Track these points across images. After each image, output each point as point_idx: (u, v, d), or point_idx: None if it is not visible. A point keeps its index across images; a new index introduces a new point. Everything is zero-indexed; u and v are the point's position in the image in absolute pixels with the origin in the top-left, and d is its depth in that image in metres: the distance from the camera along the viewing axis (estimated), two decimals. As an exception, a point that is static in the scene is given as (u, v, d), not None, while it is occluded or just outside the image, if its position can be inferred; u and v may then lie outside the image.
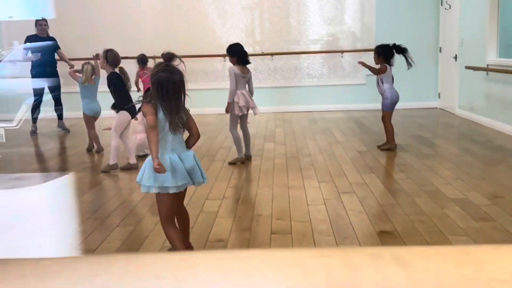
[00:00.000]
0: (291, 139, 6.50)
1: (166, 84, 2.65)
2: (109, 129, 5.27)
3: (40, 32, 7.17)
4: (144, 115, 2.70)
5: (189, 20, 8.92)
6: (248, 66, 5.18)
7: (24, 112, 7.35)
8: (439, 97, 8.99)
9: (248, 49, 9.00)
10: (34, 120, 7.28)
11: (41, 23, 7.18)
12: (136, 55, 8.85)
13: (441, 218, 3.39)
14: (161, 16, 8.94)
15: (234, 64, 5.10)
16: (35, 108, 7.22)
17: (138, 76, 7.08)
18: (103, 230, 3.38)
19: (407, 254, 0.52)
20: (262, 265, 0.48)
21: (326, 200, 3.88)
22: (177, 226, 2.83)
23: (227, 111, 5.15)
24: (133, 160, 5.05)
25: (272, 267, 0.48)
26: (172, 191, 2.67)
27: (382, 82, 5.56)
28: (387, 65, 5.52)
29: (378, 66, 5.62)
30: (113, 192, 4.50)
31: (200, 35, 8.92)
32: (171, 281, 0.46)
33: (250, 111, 5.25)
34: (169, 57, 2.84)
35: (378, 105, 8.86)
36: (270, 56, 8.95)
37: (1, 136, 6.04)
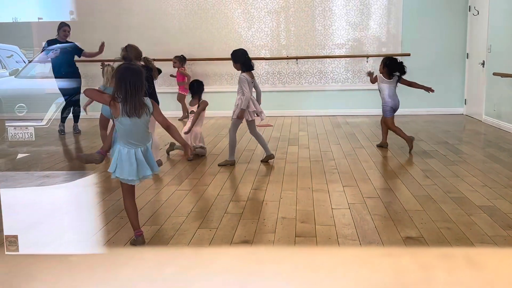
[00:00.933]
0: (315, 143, 6.49)
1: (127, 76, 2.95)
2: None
3: (62, 37, 7.30)
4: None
5: (215, 23, 8.99)
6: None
7: (53, 111, 7.50)
8: (465, 103, 8.87)
9: (273, 52, 9.10)
10: (63, 119, 7.42)
11: (64, 29, 7.30)
12: (162, 57, 8.97)
13: (468, 225, 3.36)
14: (187, 19, 9.03)
15: (238, 70, 5.18)
16: (65, 108, 7.37)
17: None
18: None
19: (479, 255, 0.53)
20: (329, 262, 0.50)
21: (351, 204, 3.87)
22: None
23: (240, 117, 5.12)
24: (156, 157, 5.06)
25: (339, 264, 0.49)
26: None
27: (380, 91, 6.10)
28: (381, 75, 6.03)
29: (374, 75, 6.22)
30: (139, 191, 4.56)
31: (226, 39, 8.98)
32: (238, 276, 0.48)
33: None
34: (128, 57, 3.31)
35: (404, 110, 8.83)
36: (295, 60, 8.96)
37: (30, 135, 6.17)
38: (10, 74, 9.41)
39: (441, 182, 4.42)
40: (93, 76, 8.39)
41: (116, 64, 5.94)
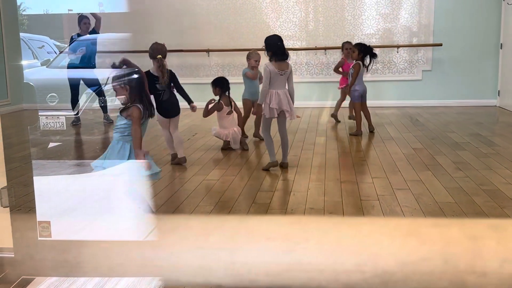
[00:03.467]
0: (343, 134, 6.42)
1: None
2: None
3: (84, 31, 7.36)
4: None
5: (243, 14, 8.96)
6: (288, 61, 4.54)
7: (84, 101, 7.61)
8: (498, 95, 8.64)
9: (301, 43, 9.02)
10: (104, 109, 7.51)
11: (85, 21, 7.35)
12: (191, 48, 9.00)
13: (501, 218, 3.27)
14: (215, 10, 9.03)
15: (269, 59, 4.49)
16: (74, 99, 7.44)
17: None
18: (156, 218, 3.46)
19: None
20: (376, 232, 0.48)
21: (380, 196, 3.82)
22: None
23: (256, 113, 4.72)
24: (180, 154, 5.07)
25: (386, 234, 0.47)
26: None
27: (350, 76, 6.39)
28: (360, 63, 6.23)
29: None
30: (167, 180, 4.59)
31: (254, 29, 8.95)
32: (283, 243, 0.47)
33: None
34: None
35: (435, 102, 8.68)
36: (323, 51, 8.87)
37: (62, 124, 6.28)
38: (42, 64, 9.58)
39: (473, 175, 4.32)
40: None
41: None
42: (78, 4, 9.12)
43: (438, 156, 5.07)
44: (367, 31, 8.84)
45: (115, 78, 3.09)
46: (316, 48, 8.86)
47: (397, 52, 8.80)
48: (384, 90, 8.90)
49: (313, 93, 8.95)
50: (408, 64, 8.85)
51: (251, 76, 5.93)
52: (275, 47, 4.45)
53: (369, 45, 6.35)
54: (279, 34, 4.69)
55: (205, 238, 0.43)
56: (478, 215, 3.33)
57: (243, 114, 5.93)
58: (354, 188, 4.04)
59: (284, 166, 4.74)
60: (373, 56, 6.23)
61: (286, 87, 4.57)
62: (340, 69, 7.17)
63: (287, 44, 8.85)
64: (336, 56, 8.99)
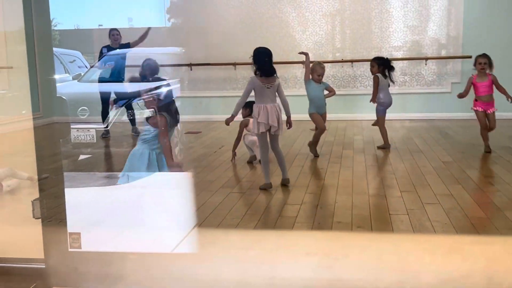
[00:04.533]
0: (371, 147, 6.36)
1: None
2: None
3: (113, 43, 7.51)
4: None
5: (270, 28, 9.01)
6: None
7: (114, 114, 7.74)
8: (531, 107, 8.43)
9: (327, 55, 9.01)
10: (133, 122, 7.61)
11: (113, 33, 7.50)
12: (218, 61, 9.09)
13: (536, 234, 3.17)
14: (242, 24, 9.11)
15: (254, 73, 4.36)
16: (105, 112, 7.57)
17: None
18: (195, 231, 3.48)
19: None
20: (417, 248, 0.47)
21: (409, 210, 3.76)
22: None
23: (226, 122, 4.48)
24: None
25: (427, 251, 0.47)
26: None
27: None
28: (379, 75, 6.20)
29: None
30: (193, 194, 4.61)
31: (280, 43, 8.98)
32: (322, 258, 0.47)
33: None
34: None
35: (464, 114, 8.51)
36: (350, 63, 8.84)
37: (92, 137, 6.39)
38: (73, 79, 9.81)
39: (505, 189, 4.22)
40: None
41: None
42: (108, 19, 9.34)
43: (469, 169, 4.97)
44: (394, 44, 8.78)
45: (147, 91, 3.15)
46: (342, 61, 8.84)
47: (426, 64, 8.70)
48: (412, 102, 8.80)
49: (339, 106, 8.90)
50: (436, 77, 8.74)
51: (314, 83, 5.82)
52: (262, 62, 4.32)
53: (386, 58, 6.35)
54: (305, 47, 4.76)
55: (245, 252, 0.43)
56: (511, 230, 3.24)
57: (316, 129, 5.80)
58: (382, 202, 3.99)
59: (285, 182, 4.53)
60: (390, 68, 6.22)
61: (277, 101, 4.43)
62: None
63: (313, 57, 8.88)
64: (363, 69, 8.95)
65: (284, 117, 4.50)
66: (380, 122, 6.33)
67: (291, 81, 9.14)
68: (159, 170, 3.32)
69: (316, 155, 5.77)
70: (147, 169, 3.25)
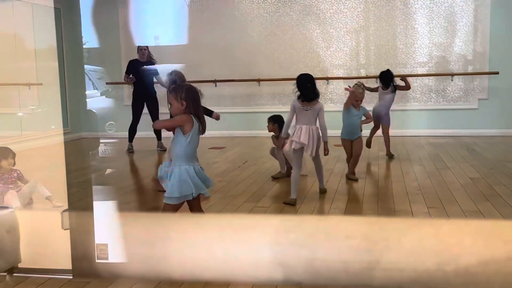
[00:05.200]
0: (396, 162, 6.30)
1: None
2: None
3: (141, 57, 7.65)
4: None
5: (294, 44, 9.07)
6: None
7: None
8: (562, 124, 8.26)
9: (351, 72, 9.01)
10: (131, 139, 7.73)
11: (141, 48, 7.64)
12: (242, 77, 9.16)
13: None
14: (267, 41, 9.18)
15: (297, 98, 4.54)
16: (132, 128, 7.71)
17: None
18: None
19: None
20: (457, 232, 0.48)
21: (436, 226, 3.69)
22: None
23: (277, 144, 4.76)
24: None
25: (468, 234, 0.47)
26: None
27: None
28: (379, 86, 6.75)
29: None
30: (219, 206, 4.63)
31: (304, 59, 9.03)
32: (362, 241, 0.47)
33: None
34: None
35: (492, 131, 8.39)
36: (374, 79, 8.81)
37: (117, 151, 6.49)
38: (101, 94, 10.03)
39: (536, 206, 4.12)
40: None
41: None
42: (135, 37, 9.54)
43: (497, 186, 4.88)
44: (419, 60, 8.74)
45: (171, 91, 3.11)
46: (367, 77, 8.81)
47: (452, 80, 8.62)
48: (438, 118, 8.71)
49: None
50: (463, 93, 8.65)
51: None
52: (304, 88, 4.50)
53: (386, 70, 6.75)
54: (329, 64, 4.77)
55: (285, 235, 0.44)
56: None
57: (347, 153, 5.52)
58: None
59: (322, 192, 4.81)
60: (388, 79, 6.64)
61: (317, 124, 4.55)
62: None
63: (337, 73, 8.89)
64: (388, 85, 8.90)
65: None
66: (386, 130, 6.67)
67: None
68: (207, 185, 3.22)
69: (354, 179, 5.34)
70: (194, 186, 3.10)
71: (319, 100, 4.58)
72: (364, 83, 6.20)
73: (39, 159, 5.91)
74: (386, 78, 6.65)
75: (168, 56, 9.02)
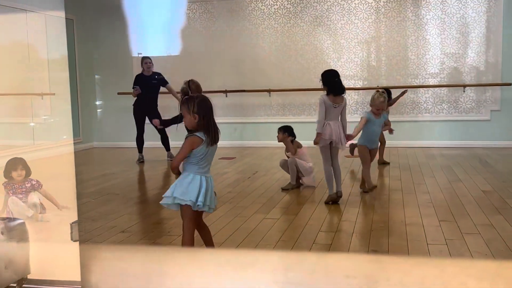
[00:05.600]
0: (407, 174, 6.24)
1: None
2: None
3: (146, 71, 7.69)
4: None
5: (305, 55, 9.07)
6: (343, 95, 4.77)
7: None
8: None
9: (362, 82, 8.98)
10: (140, 150, 7.80)
11: (146, 61, 7.67)
12: (252, 88, 9.18)
13: None
14: (278, 51, 9.20)
15: (326, 93, 4.71)
16: (139, 139, 7.77)
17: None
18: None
19: None
20: (461, 273, 0.47)
21: (448, 240, 3.65)
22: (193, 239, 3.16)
23: (315, 142, 4.78)
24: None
25: (472, 276, 0.46)
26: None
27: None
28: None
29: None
30: (228, 218, 4.61)
31: (314, 69, 9.02)
32: (362, 281, 0.46)
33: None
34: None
35: (505, 143, 8.30)
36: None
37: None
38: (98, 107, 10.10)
39: (550, 220, 4.05)
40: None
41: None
42: (147, 48, 9.61)
43: (510, 199, 4.81)
44: (431, 71, 8.69)
45: (183, 103, 3.07)
46: (378, 88, 8.77)
47: (464, 91, 8.56)
48: (450, 130, 8.64)
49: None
50: (475, 104, 8.58)
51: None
52: (332, 83, 4.68)
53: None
54: (340, 74, 4.81)
55: (283, 273, 0.43)
56: (558, 264, 3.10)
57: (362, 162, 5.27)
58: (420, 231, 3.89)
59: (339, 194, 4.85)
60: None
61: (339, 119, 4.79)
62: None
63: (349, 83, 8.86)
64: (399, 96, 8.85)
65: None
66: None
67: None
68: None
69: (366, 191, 5.21)
70: (203, 194, 3.05)
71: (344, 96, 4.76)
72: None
73: (50, 168, 5.94)
74: (390, 94, 6.82)
75: (179, 66, 9.07)
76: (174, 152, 7.74)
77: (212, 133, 3.06)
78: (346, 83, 9.00)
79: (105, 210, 4.80)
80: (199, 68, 9.24)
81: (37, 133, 8.62)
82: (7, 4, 7.80)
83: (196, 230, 3.22)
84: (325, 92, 4.74)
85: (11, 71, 8.06)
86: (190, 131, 3.11)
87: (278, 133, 5.65)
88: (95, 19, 9.77)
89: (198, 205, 3.03)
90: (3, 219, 2.81)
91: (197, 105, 3.01)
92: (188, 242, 3.09)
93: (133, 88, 7.65)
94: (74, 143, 9.36)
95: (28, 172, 4.46)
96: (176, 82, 7.12)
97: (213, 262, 0.46)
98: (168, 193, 3.07)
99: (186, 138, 3.08)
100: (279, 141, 5.72)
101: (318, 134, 4.74)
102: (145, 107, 7.65)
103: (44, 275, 2.72)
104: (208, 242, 3.30)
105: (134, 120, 7.83)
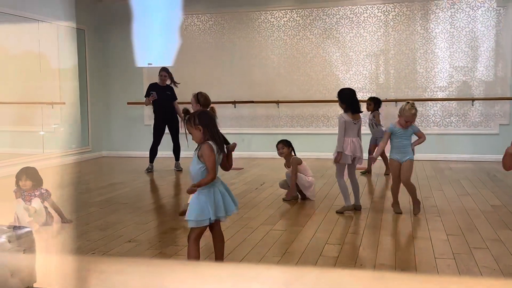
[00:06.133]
0: (415, 188, 6.20)
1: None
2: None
3: (161, 82, 7.75)
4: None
5: (313, 67, 9.10)
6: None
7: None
8: None
9: (371, 95, 8.97)
10: (151, 159, 7.82)
11: (162, 74, 7.74)
12: (261, 99, 9.22)
13: None
14: (287, 63, 9.24)
15: (344, 111, 4.88)
16: (152, 149, 7.80)
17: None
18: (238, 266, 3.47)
19: None
20: None
21: (456, 254, 3.63)
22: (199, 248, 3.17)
23: (336, 161, 4.86)
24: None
25: None
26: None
27: (376, 125, 7.06)
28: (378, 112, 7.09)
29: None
30: (235, 229, 4.61)
31: (323, 81, 9.05)
32: None
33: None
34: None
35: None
36: (394, 103, 8.78)
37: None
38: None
39: (559, 236, 4.02)
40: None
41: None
42: (157, 58, 9.69)
43: (519, 214, 4.77)
44: (440, 84, 8.68)
45: (186, 122, 3.18)
46: (386, 100, 8.78)
47: (472, 105, 8.53)
48: (459, 143, 8.61)
49: (383, 146, 8.79)
50: (484, 118, 8.54)
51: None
52: (351, 101, 4.87)
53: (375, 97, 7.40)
54: (348, 87, 4.89)
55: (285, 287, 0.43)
56: None
57: (391, 178, 5.10)
58: (427, 245, 3.87)
59: (357, 208, 5.00)
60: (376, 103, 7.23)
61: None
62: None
63: (357, 96, 8.86)
64: (408, 109, 8.84)
65: None
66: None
67: (334, 120, 9.12)
68: (234, 203, 3.24)
69: (398, 212, 4.93)
70: (225, 207, 3.15)
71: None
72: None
73: (58, 177, 5.98)
74: (379, 102, 7.22)
75: (187, 76, 9.12)
76: (182, 162, 7.76)
77: (218, 141, 3.14)
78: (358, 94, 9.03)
79: (113, 219, 4.82)
80: (208, 79, 9.30)
81: (47, 142, 8.68)
82: (20, 14, 7.91)
83: (212, 237, 3.30)
84: (342, 110, 4.92)
85: (22, 80, 8.15)
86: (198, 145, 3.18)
87: (282, 148, 5.68)
88: (106, 29, 9.88)
89: (210, 219, 3.10)
90: (11, 227, 2.83)
91: (198, 118, 3.13)
92: (192, 254, 3.12)
93: (149, 94, 7.69)
94: (83, 152, 9.42)
95: (36, 182, 4.51)
96: (185, 93, 7.18)
97: (214, 277, 0.47)
98: (187, 216, 3.14)
99: (197, 150, 3.13)
100: (280, 155, 5.74)
101: (339, 153, 4.84)
102: (164, 118, 7.72)
103: (44, 283, 2.73)
104: (218, 254, 3.31)
105: (152, 129, 7.88)
